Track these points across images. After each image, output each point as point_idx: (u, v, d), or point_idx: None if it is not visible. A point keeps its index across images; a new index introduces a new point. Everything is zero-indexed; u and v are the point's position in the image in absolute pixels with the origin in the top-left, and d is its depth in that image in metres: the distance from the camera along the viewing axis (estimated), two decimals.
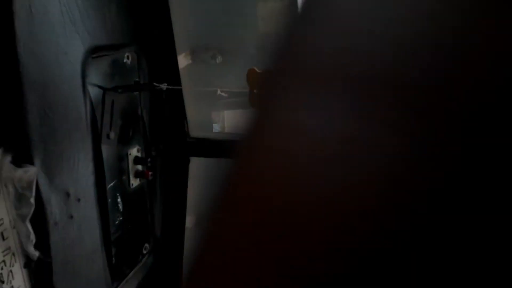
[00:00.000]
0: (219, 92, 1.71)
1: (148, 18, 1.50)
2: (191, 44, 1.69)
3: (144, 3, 1.48)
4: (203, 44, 1.70)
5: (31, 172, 1.02)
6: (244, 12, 1.67)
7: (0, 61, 1.00)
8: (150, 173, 1.48)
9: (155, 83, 1.40)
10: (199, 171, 1.73)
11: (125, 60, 1.38)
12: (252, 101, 1.27)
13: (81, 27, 1.16)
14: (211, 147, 1.69)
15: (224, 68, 1.70)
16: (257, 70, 1.27)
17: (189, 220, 1.80)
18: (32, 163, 1.03)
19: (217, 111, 1.88)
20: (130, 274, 1.52)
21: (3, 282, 1.01)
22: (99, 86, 1.25)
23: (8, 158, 1.01)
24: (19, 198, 1.03)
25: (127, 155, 1.42)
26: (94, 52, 1.22)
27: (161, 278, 1.73)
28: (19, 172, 1.01)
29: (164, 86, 1.38)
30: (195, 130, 1.73)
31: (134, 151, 1.46)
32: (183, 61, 1.67)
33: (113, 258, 1.39)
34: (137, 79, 1.45)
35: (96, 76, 1.25)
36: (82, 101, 1.17)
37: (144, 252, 1.61)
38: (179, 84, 1.61)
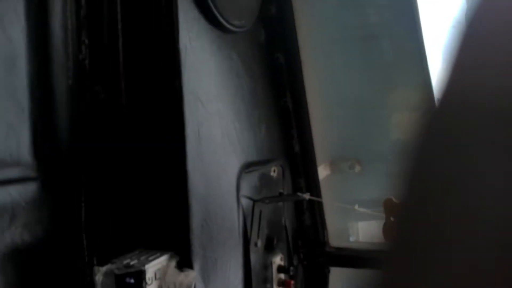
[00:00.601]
0: (356, 207, 1.72)
1: (291, 134, 1.64)
2: (330, 156, 1.78)
3: (287, 121, 1.64)
4: (341, 155, 1.78)
5: (191, 276, 1.12)
6: (380, 121, 1.73)
7: (172, 177, 1.18)
8: (292, 282, 1.50)
9: (298, 193, 1.49)
10: (339, 282, 1.71)
11: (271, 174, 1.51)
12: (385, 230, 1.27)
13: (238, 146, 1.32)
14: (350, 257, 1.68)
15: (362, 177, 1.74)
16: (394, 200, 1.28)
17: None
18: (192, 268, 1.14)
19: (353, 222, 1.89)
20: None
21: None
22: (250, 198, 1.38)
23: (173, 262, 1.13)
24: None
25: (271, 263, 1.49)
26: (247, 168, 1.36)
27: None
28: (181, 276, 1.12)
29: (307, 195, 1.46)
30: (334, 239, 1.74)
31: (277, 260, 1.52)
32: (322, 172, 1.76)
33: None
34: (281, 190, 1.56)
35: (248, 188, 1.38)
36: (236, 212, 1.29)
37: None
38: (320, 193, 1.68)
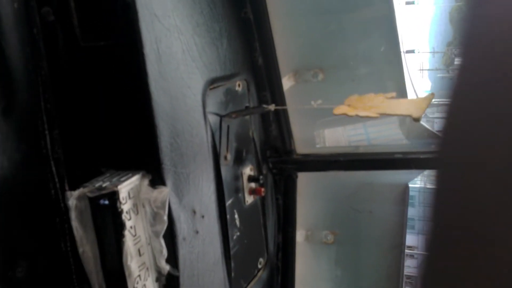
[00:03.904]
0: (313, 104, 1.75)
1: (254, 47, 1.62)
2: (294, 66, 1.77)
3: (249, 34, 1.60)
4: (305, 65, 1.78)
5: (165, 192, 1.16)
6: (342, 28, 1.71)
7: (135, 98, 1.17)
8: (262, 189, 1.57)
9: (264, 105, 1.51)
10: (306, 186, 1.80)
11: (236, 88, 1.51)
12: (336, 109, 1.29)
13: (200, 62, 1.30)
14: (316, 162, 1.76)
15: (325, 85, 1.76)
16: (357, 96, 1.30)
17: (300, 234, 1.87)
18: (164, 185, 1.17)
19: (318, 130, 1.94)
20: None
21: None
22: (216, 114, 1.39)
23: (146, 181, 1.16)
24: (154, 217, 1.18)
25: (241, 174, 1.54)
26: (211, 84, 1.35)
27: None
28: (155, 193, 1.16)
29: (272, 107, 1.47)
30: (301, 147, 1.81)
31: (247, 170, 1.57)
32: (286, 83, 1.76)
33: (232, 272, 1.50)
34: (247, 104, 1.57)
35: (214, 104, 1.38)
36: (203, 128, 1.31)
37: (259, 266, 1.70)
38: (285, 104, 1.70)
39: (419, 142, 1.66)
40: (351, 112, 1.22)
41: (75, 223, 1.07)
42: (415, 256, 12.63)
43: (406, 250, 1.88)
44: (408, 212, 1.79)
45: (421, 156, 1.58)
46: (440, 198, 0.35)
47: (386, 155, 1.64)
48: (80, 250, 1.09)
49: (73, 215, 1.07)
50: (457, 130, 0.33)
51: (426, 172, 1.76)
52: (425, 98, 1.18)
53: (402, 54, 1.60)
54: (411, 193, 1.77)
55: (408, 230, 1.90)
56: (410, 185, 1.76)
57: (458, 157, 0.32)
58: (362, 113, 1.20)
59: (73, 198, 1.07)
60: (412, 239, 12.62)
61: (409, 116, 1.14)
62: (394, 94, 1.23)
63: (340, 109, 1.25)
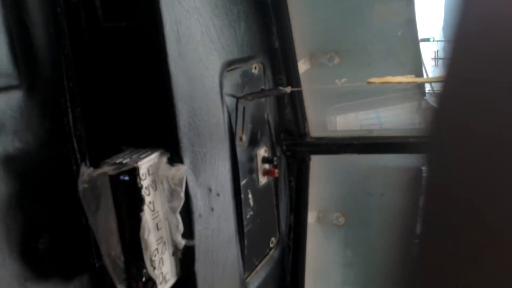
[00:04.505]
0: (338, 83, 1.75)
1: (271, 30, 1.63)
2: (310, 50, 1.79)
3: (266, 17, 1.62)
4: (321, 48, 1.79)
5: (182, 170, 1.20)
6: (359, 11, 1.72)
7: (155, 78, 1.20)
8: (276, 170, 1.61)
9: (280, 87, 1.53)
10: (319, 168, 1.83)
11: (253, 71, 1.53)
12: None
13: (218, 44, 1.32)
14: (329, 145, 1.78)
15: (341, 69, 1.77)
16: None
17: (311, 216, 1.90)
18: (182, 163, 1.21)
19: (332, 114, 1.96)
20: (259, 266, 1.67)
21: (154, 268, 1.19)
22: (233, 95, 1.41)
23: (164, 158, 1.20)
24: (172, 193, 1.22)
25: (256, 155, 1.57)
26: (228, 65, 1.38)
27: (285, 272, 1.85)
28: (173, 170, 1.19)
29: (288, 89, 1.50)
30: (314, 131, 1.83)
31: (261, 152, 1.60)
32: (302, 67, 1.78)
33: (245, 250, 1.54)
34: (263, 87, 1.59)
35: (230, 86, 1.41)
36: (220, 109, 1.34)
37: (271, 245, 1.74)
38: (300, 87, 1.72)
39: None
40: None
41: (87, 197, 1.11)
42: None
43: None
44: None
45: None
46: (432, 176, 0.37)
47: (400, 139, 1.65)
48: (102, 223, 1.13)
49: (88, 190, 1.11)
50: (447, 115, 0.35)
51: None
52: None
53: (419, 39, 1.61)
54: None
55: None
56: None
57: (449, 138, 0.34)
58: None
59: (91, 173, 1.11)
60: None
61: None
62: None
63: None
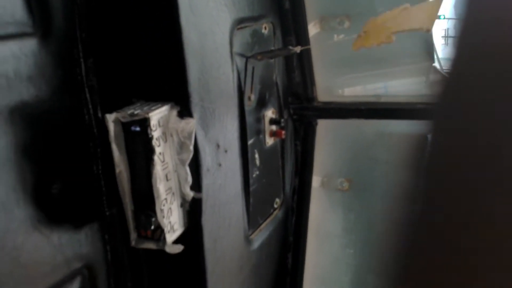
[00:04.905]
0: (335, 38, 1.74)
1: None
2: (320, 12, 1.78)
3: None
4: (331, 11, 1.78)
5: (191, 123, 1.22)
6: None
7: (166, 32, 1.21)
8: (283, 132, 1.63)
9: (289, 47, 1.53)
10: (326, 133, 1.85)
11: (263, 31, 1.54)
12: (354, 43, 1.30)
13: (229, 0, 1.32)
14: (336, 109, 1.79)
15: (351, 33, 1.77)
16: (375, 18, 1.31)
17: (316, 180, 1.93)
18: (191, 117, 1.23)
19: (341, 80, 1.97)
20: (263, 225, 1.70)
21: (164, 217, 1.23)
22: (242, 55, 1.42)
23: (174, 112, 1.22)
24: (181, 146, 1.24)
25: (263, 116, 1.59)
26: (239, 24, 1.38)
27: (288, 232, 1.90)
28: (182, 123, 1.21)
29: (298, 48, 1.49)
30: (322, 96, 1.84)
31: (269, 113, 1.62)
32: (312, 29, 1.78)
33: (250, 207, 1.58)
34: (273, 48, 1.60)
35: (240, 45, 1.42)
36: (230, 67, 1.35)
37: (275, 206, 1.78)
38: (309, 50, 1.72)
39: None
40: (368, 42, 1.24)
41: (113, 145, 1.14)
42: None
43: None
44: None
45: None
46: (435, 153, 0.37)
47: (407, 105, 1.66)
48: (117, 170, 1.16)
49: (112, 137, 1.14)
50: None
51: None
52: (434, 2, 1.18)
53: None
54: None
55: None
56: None
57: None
58: (378, 40, 1.22)
59: (111, 121, 1.13)
60: None
61: (421, 29, 1.16)
62: (407, 5, 1.24)
63: (357, 44, 1.28)
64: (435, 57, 2.02)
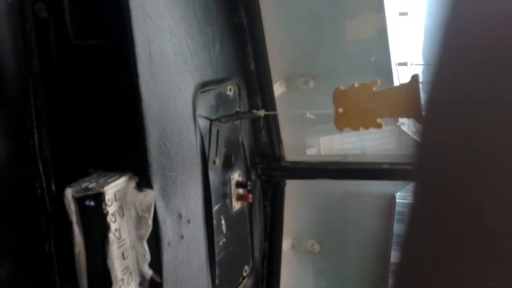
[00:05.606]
0: (308, 115, 1.76)
1: (246, 52, 1.61)
2: (285, 73, 1.77)
3: (242, 39, 1.60)
4: (296, 71, 1.78)
5: (150, 195, 1.14)
6: (334, 36, 1.72)
7: (125, 99, 1.15)
8: (250, 195, 1.56)
9: (254, 110, 1.50)
10: (294, 194, 1.79)
11: (227, 93, 1.50)
12: (337, 122, 1.29)
13: (192, 65, 1.29)
14: (304, 170, 1.75)
15: (316, 92, 1.76)
16: (342, 88, 1.30)
17: (286, 243, 1.86)
18: (151, 188, 1.16)
19: (311, 137, 1.95)
20: None
21: None
22: (206, 117, 1.38)
23: (132, 183, 1.14)
24: (139, 220, 1.16)
25: (230, 179, 1.53)
26: (202, 87, 1.34)
27: None
28: (141, 196, 1.14)
29: (262, 112, 1.47)
30: (290, 154, 1.80)
31: (235, 176, 1.56)
32: (278, 89, 1.76)
33: (217, 279, 1.48)
34: (238, 109, 1.56)
35: (204, 108, 1.37)
36: (193, 132, 1.30)
37: (244, 274, 1.69)
38: (275, 110, 1.70)
39: (407, 154, 1.67)
40: (354, 126, 1.22)
41: (74, 223, 1.05)
42: None
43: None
44: (396, 227, 1.79)
45: (408, 168, 1.59)
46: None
47: (373, 165, 1.64)
48: (77, 250, 1.07)
49: (72, 213, 1.05)
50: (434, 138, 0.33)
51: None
52: (411, 83, 1.16)
53: (394, 65, 1.61)
54: (401, 209, 1.77)
55: (397, 247, 1.89)
56: (400, 201, 1.75)
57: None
58: (365, 125, 1.20)
59: (70, 198, 1.05)
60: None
61: (411, 119, 1.14)
62: (378, 81, 1.22)
63: (341, 124, 1.25)
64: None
